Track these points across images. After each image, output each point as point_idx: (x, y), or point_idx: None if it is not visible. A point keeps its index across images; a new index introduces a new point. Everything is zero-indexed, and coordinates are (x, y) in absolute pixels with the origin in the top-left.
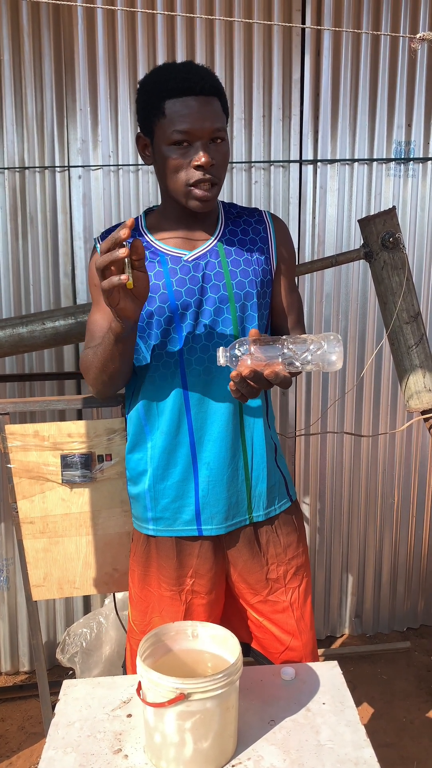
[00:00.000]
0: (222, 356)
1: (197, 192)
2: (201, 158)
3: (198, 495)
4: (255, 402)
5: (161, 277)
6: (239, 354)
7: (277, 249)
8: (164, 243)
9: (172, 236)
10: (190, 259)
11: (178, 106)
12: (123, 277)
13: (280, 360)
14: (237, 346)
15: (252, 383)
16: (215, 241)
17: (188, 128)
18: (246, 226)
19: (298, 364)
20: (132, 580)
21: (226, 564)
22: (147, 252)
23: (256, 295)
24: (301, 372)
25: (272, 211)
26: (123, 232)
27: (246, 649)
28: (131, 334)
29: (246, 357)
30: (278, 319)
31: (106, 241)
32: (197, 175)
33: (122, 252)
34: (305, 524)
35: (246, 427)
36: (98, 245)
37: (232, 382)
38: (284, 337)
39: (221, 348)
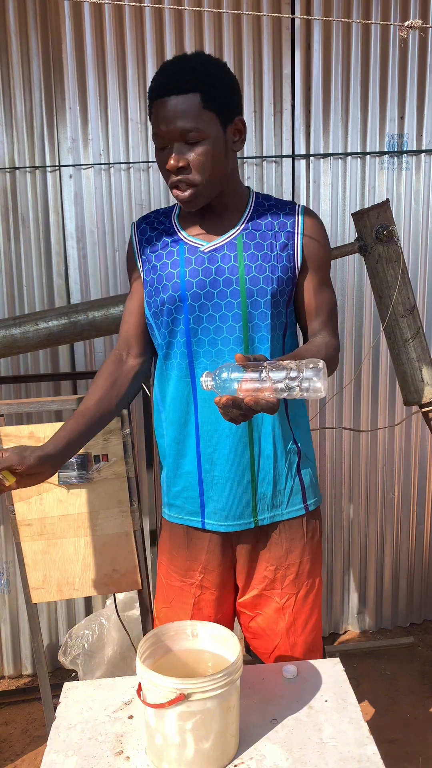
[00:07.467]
0: (205, 382)
1: (176, 193)
2: (169, 161)
3: (202, 488)
4: None
5: (177, 266)
6: (219, 381)
7: (303, 245)
8: (187, 233)
9: (196, 227)
10: (206, 250)
11: (158, 108)
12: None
13: (267, 386)
14: (218, 373)
15: (235, 410)
16: (235, 233)
17: (159, 131)
18: (273, 220)
19: (281, 386)
20: (158, 568)
21: (235, 561)
22: (170, 240)
23: (271, 293)
24: (287, 396)
25: None
26: None
27: (246, 648)
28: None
29: (231, 383)
30: (304, 320)
31: None
32: (169, 177)
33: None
34: None
35: (255, 429)
36: (133, 230)
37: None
38: (265, 363)
39: (205, 373)
